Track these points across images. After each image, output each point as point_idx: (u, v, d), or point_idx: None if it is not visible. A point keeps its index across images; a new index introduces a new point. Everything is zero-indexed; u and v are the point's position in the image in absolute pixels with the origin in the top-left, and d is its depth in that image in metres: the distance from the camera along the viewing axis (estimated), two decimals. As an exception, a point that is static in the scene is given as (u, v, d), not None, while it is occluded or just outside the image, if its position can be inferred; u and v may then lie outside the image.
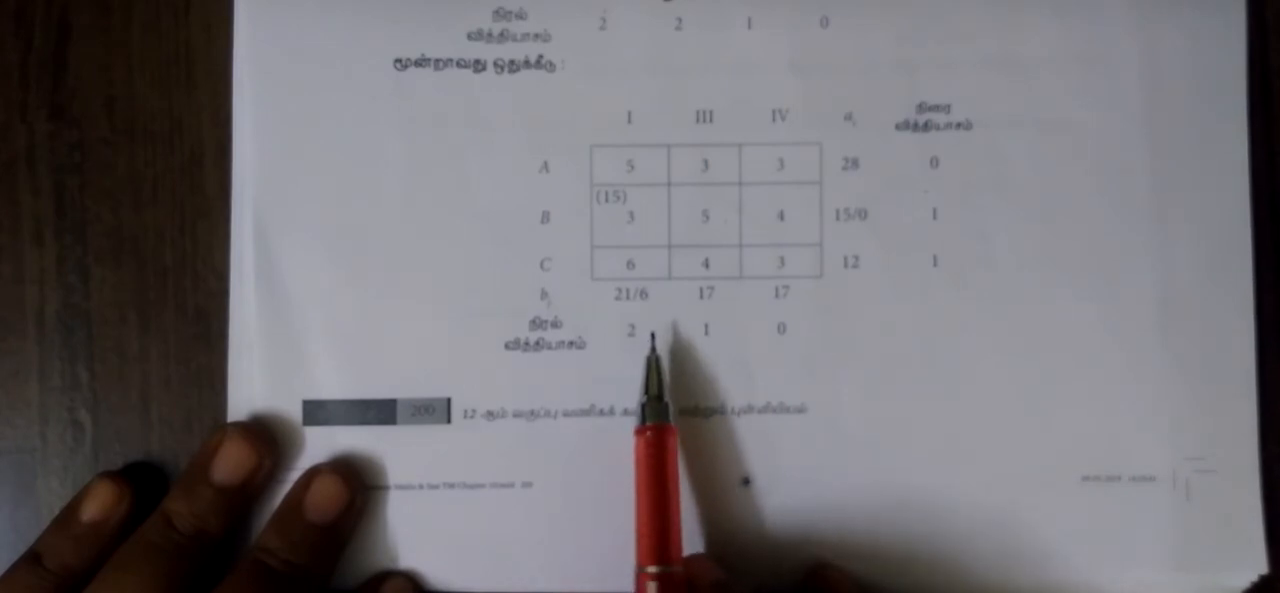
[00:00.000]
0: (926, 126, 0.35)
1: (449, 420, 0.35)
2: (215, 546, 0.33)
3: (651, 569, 0.31)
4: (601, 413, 0.35)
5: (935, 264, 0.35)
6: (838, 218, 0.35)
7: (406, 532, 0.34)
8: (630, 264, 0.35)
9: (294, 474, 0.34)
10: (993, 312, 0.35)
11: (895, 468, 0.35)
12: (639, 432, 0.33)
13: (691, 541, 0.34)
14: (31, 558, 0.32)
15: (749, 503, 0.35)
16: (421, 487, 0.35)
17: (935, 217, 0.35)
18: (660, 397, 0.33)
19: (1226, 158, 0.35)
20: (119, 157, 0.35)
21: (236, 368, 0.35)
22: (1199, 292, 0.35)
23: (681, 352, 0.35)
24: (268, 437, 0.34)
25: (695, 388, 0.35)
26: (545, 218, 0.35)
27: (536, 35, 0.35)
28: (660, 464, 0.32)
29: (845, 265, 0.35)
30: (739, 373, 0.35)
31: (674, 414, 0.34)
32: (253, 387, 0.34)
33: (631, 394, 0.35)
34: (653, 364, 0.34)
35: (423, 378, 0.35)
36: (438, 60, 0.35)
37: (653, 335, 0.35)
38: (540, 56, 0.35)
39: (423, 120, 0.35)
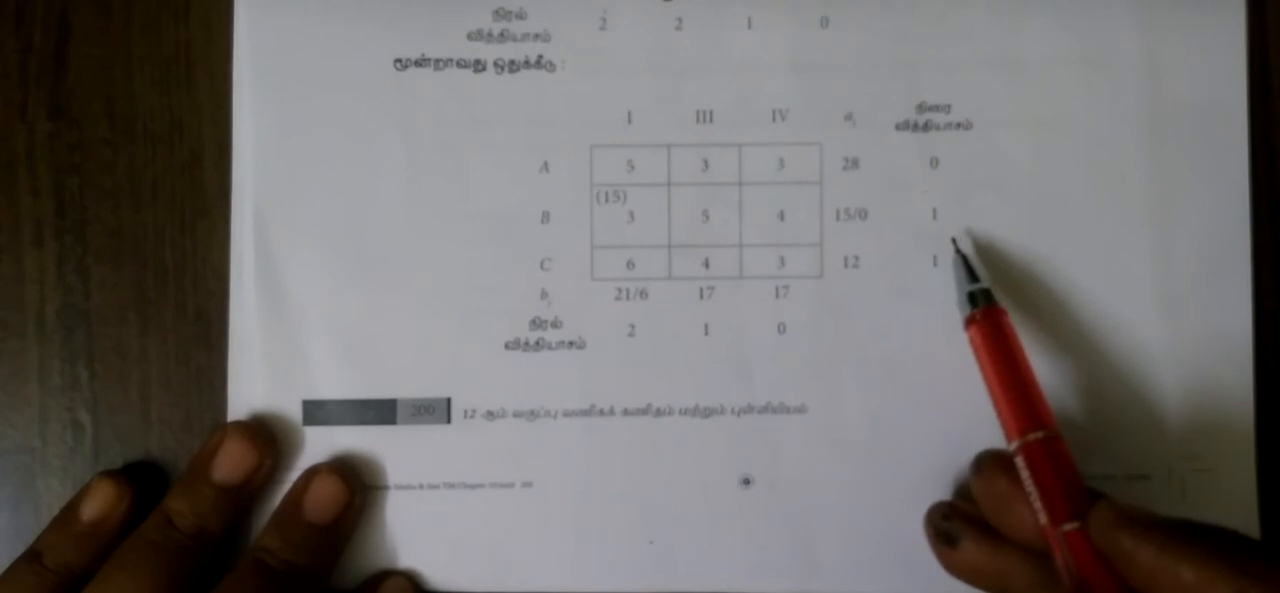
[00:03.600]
0: (926, 127, 0.35)
1: (449, 421, 0.35)
2: (215, 545, 0.33)
3: (1031, 436, 0.30)
4: (601, 413, 0.35)
5: (935, 264, 0.35)
6: (838, 218, 0.35)
7: (406, 532, 0.35)
8: (630, 264, 0.35)
9: (294, 474, 0.34)
10: (992, 312, 0.35)
11: (895, 468, 0.35)
12: (970, 321, 0.32)
13: (691, 540, 0.34)
14: (31, 556, 0.32)
15: (749, 503, 0.35)
16: (421, 487, 0.35)
17: (935, 217, 0.35)
18: (980, 288, 0.33)
19: (1226, 158, 0.35)
20: (119, 157, 0.35)
21: (236, 368, 0.35)
22: (1198, 292, 0.35)
23: (681, 352, 0.35)
24: (268, 436, 0.34)
25: (695, 388, 0.35)
26: (545, 218, 0.35)
27: (536, 35, 0.35)
28: (1003, 342, 0.32)
29: (845, 265, 0.35)
30: (739, 373, 0.35)
31: (996, 296, 0.33)
32: (253, 387, 0.35)
33: (632, 394, 0.35)
34: (962, 259, 0.34)
35: (423, 378, 0.35)
36: (438, 60, 0.35)
37: (954, 240, 0.35)
38: (540, 56, 0.35)
39: (423, 120, 0.35)
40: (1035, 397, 0.31)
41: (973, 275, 0.33)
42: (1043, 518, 0.29)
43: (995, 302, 0.33)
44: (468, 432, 0.35)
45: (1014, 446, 0.30)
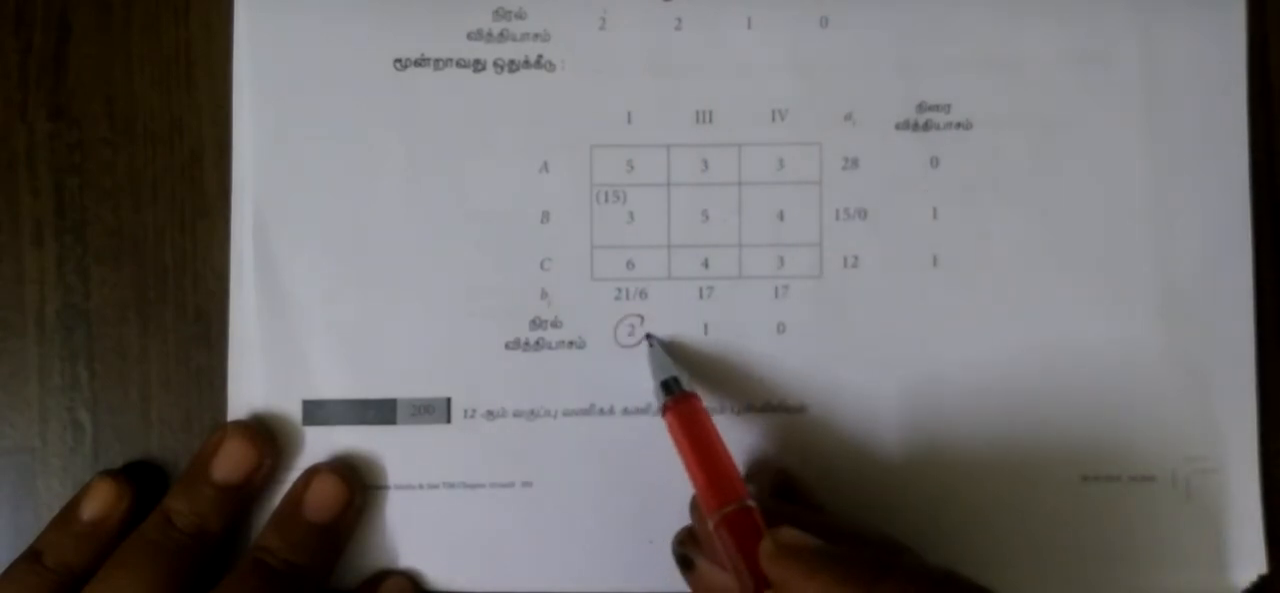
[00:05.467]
0: (926, 126, 0.35)
1: (449, 420, 0.35)
2: (215, 544, 0.33)
3: (726, 509, 0.30)
4: (601, 413, 0.35)
5: (935, 264, 0.35)
6: (838, 218, 0.35)
7: (406, 532, 0.34)
8: (630, 264, 0.35)
9: (294, 474, 0.34)
10: (993, 312, 0.35)
11: (894, 468, 0.35)
12: (664, 411, 0.32)
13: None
14: (32, 556, 0.32)
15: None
16: (421, 487, 0.35)
17: (935, 217, 0.35)
18: (671, 376, 0.33)
19: (1226, 158, 0.35)
20: (119, 157, 0.35)
21: (236, 368, 0.35)
22: (1199, 292, 0.35)
23: (681, 352, 0.35)
24: (268, 435, 0.34)
25: (695, 388, 0.35)
26: (545, 218, 0.35)
27: (536, 35, 0.35)
28: (695, 427, 0.32)
29: (845, 265, 0.35)
30: (739, 373, 0.35)
31: (687, 382, 0.33)
32: (253, 387, 0.34)
33: (632, 394, 0.35)
34: (654, 355, 0.34)
35: (423, 378, 0.35)
36: (438, 60, 0.35)
37: (648, 335, 0.35)
38: (540, 56, 0.35)
39: (423, 120, 0.35)
40: (729, 471, 0.31)
41: (659, 369, 0.33)
42: (750, 584, 0.29)
43: (684, 387, 0.33)
44: (468, 432, 0.35)
45: (712, 519, 0.30)
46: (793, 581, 0.28)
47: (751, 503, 0.30)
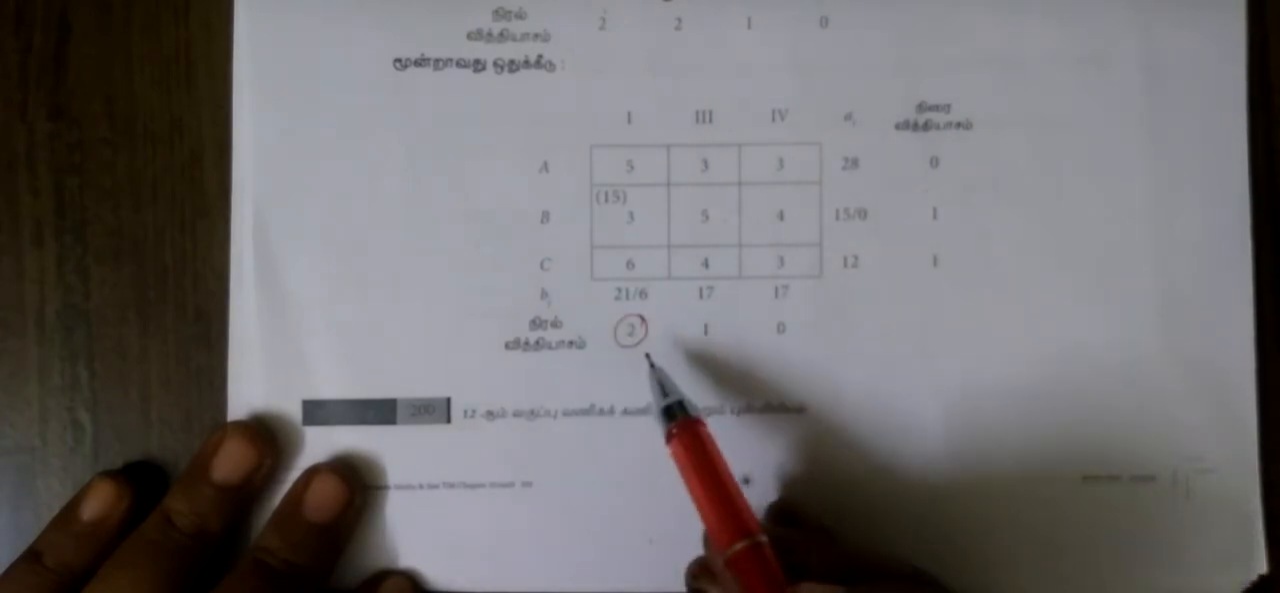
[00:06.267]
0: (926, 126, 0.35)
1: (449, 420, 0.35)
2: (215, 544, 0.33)
3: (737, 547, 0.29)
4: (601, 413, 0.35)
5: (935, 264, 0.35)
6: (837, 218, 0.35)
7: (406, 532, 0.35)
8: (630, 264, 0.35)
9: (294, 474, 0.34)
10: (993, 312, 0.35)
11: (895, 468, 0.35)
12: (670, 438, 0.31)
13: (692, 539, 0.34)
14: (32, 556, 0.32)
15: (749, 502, 0.35)
16: (421, 487, 0.35)
17: (935, 217, 0.35)
18: (677, 400, 0.32)
19: (1226, 158, 0.35)
20: (119, 156, 0.35)
21: (236, 368, 0.35)
22: (1199, 291, 0.35)
23: (681, 352, 0.35)
24: (268, 436, 0.34)
25: (695, 388, 0.35)
26: (545, 218, 0.35)
27: (536, 35, 0.35)
28: (703, 458, 0.31)
29: (845, 265, 0.35)
30: (739, 373, 0.35)
31: (692, 406, 0.32)
32: (253, 387, 0.34)
33: (632, 394, 0.35)
34: (655, 377, 0.33)
35: (423, 378, 0.35)
36: (438, 60, 0.35)
37: (647, 355, 0.34)
38: (540, 56, 0.35)
39: (423, 120, 0.35)
40: (739, 505, 0.30)
41: (662, 394, 0.32)
42: None
43: (691, 413, 0.32)
44: (468, 432, 0.35)
45: (723, 557, 0.30)
46: None
47: (763, 539, 0.29)
